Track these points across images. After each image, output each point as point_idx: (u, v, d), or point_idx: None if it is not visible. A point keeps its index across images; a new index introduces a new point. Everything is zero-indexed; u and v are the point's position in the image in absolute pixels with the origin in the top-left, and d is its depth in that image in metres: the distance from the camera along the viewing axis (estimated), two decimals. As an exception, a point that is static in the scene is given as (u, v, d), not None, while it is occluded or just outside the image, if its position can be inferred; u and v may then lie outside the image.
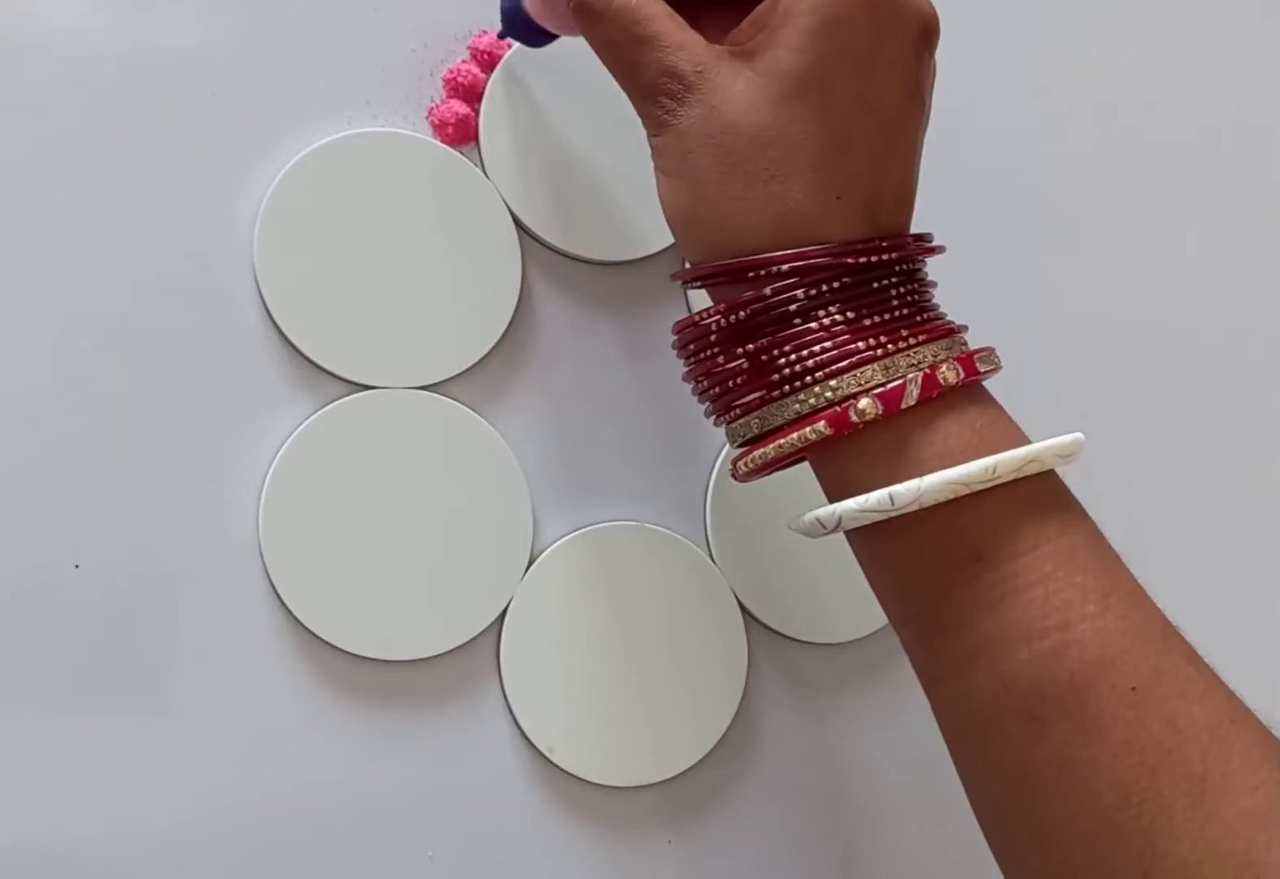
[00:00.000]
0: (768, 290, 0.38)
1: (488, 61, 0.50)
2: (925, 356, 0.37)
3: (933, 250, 0.40)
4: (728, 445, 0.52)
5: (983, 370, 0.38)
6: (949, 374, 0.37)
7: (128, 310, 0.45)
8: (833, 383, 0.37)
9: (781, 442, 0.38)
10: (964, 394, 0.38)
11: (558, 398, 0.51)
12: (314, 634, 0.46)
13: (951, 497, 0.36)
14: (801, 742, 0.53)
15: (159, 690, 0.45)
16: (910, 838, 0.54)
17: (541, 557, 0.49)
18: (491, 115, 0.50)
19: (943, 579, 0.37)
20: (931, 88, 0.40)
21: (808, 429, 0.37)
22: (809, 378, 0.37)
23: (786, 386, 0.38)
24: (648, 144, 0.41)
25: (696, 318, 0.40)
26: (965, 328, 0.39)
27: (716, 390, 0.40)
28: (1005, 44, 0.59)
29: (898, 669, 0.55)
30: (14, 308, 0.44)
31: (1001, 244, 0.58)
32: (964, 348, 0.39)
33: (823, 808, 0.53)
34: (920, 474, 0.36)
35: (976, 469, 0.36)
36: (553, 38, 0.47)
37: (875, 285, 0.38)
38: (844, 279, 0.38)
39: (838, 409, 0.37)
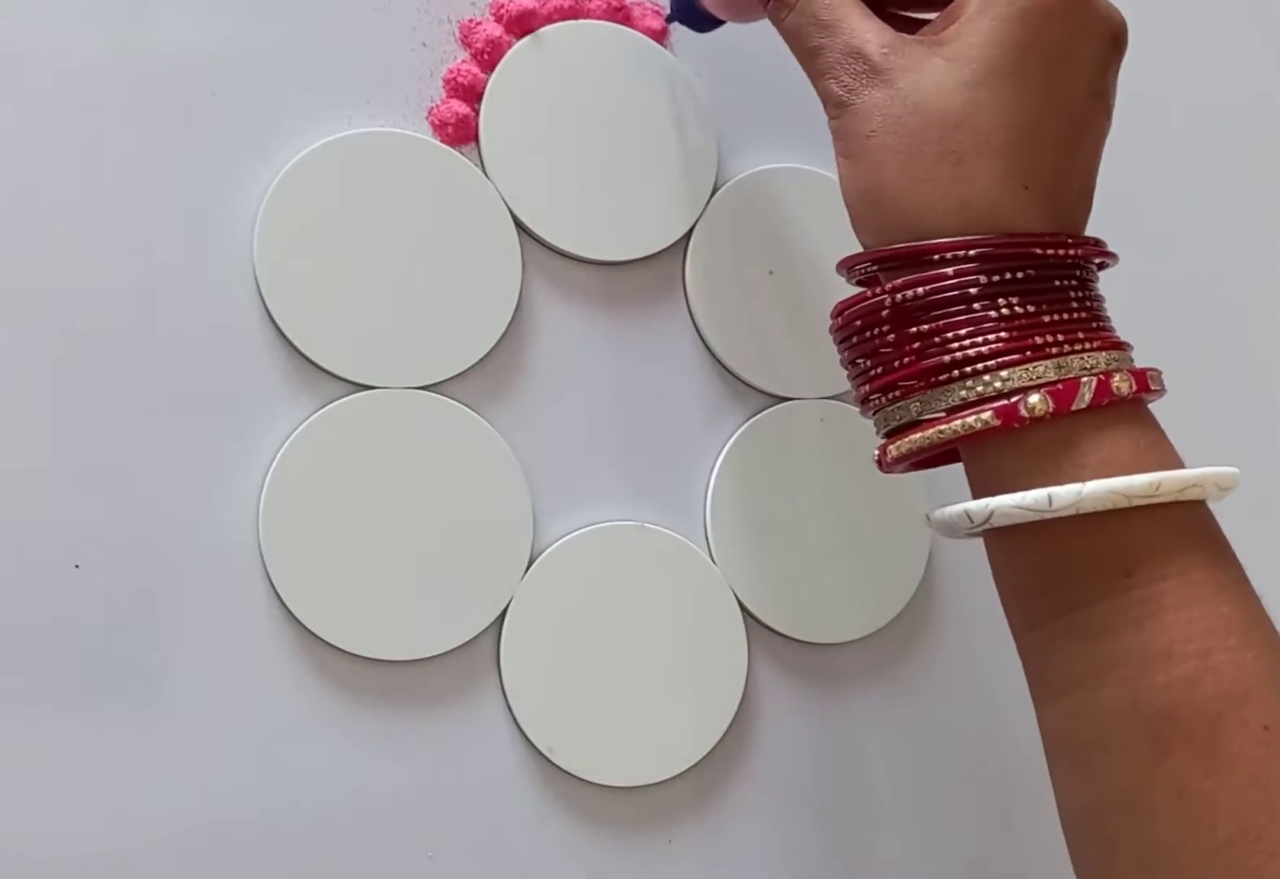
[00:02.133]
0: (950, 271, 0.37)
1: (488, 61, 0.50)
2: (1099, 362, 0.37)
3: (1110, 255, 0.40)
4: (726, 447, 0.52)
5: (1153, 389, 0.38)
6: (1122, 385, 0.36)
7: (127, 310, 0.45)
8: (1004, 373, 0.36)
9: (944, 427, 0.37)
10: (1131, 408, 0.37)
11: (558, 398, 0.51)
12: (314, 634, 0.46)
13: (1110, 507, 0.35)
14: (801, 742, 0.53)
15: (158, 690, 0.44)
16: (910, 838, 0.54)
17: (541, 557, 0.49)
18: (491, 115, 0.50)
19: (1088, 589, 0.37)
20: (1114, 97, 0.40)
21: (972, 417, 0.37)
22: (980, 365, 0.37)
23: (955, 371, 0.37)
24: (828, 128, 0.40)
25: (869, 294, 0.39)
26: (1132, 346, 0.39)
27: (879, 370, 0.39)
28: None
29: (898, 669, 0.55)
30: (14, 308, 0.44)
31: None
32: (1133, 363, 0.38)
33: (822, 808, 0.53)
34: (1082, 479, 0.36)
35: (1141, 483, 0.35)
36: (720, 24, 0.49)
37: (1056, 283, 0.38)
38: (1028, 270, 0.37)
39: (1007, 401, 0.36)
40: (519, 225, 0.50)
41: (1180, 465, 0.37)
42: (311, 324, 0.47)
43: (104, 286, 0.45)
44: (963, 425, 0.37)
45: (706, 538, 0.52)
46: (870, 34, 0.39)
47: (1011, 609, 0.40)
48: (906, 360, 0.38)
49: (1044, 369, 0.36)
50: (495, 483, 0.49)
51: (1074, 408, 0.36)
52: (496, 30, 0.50)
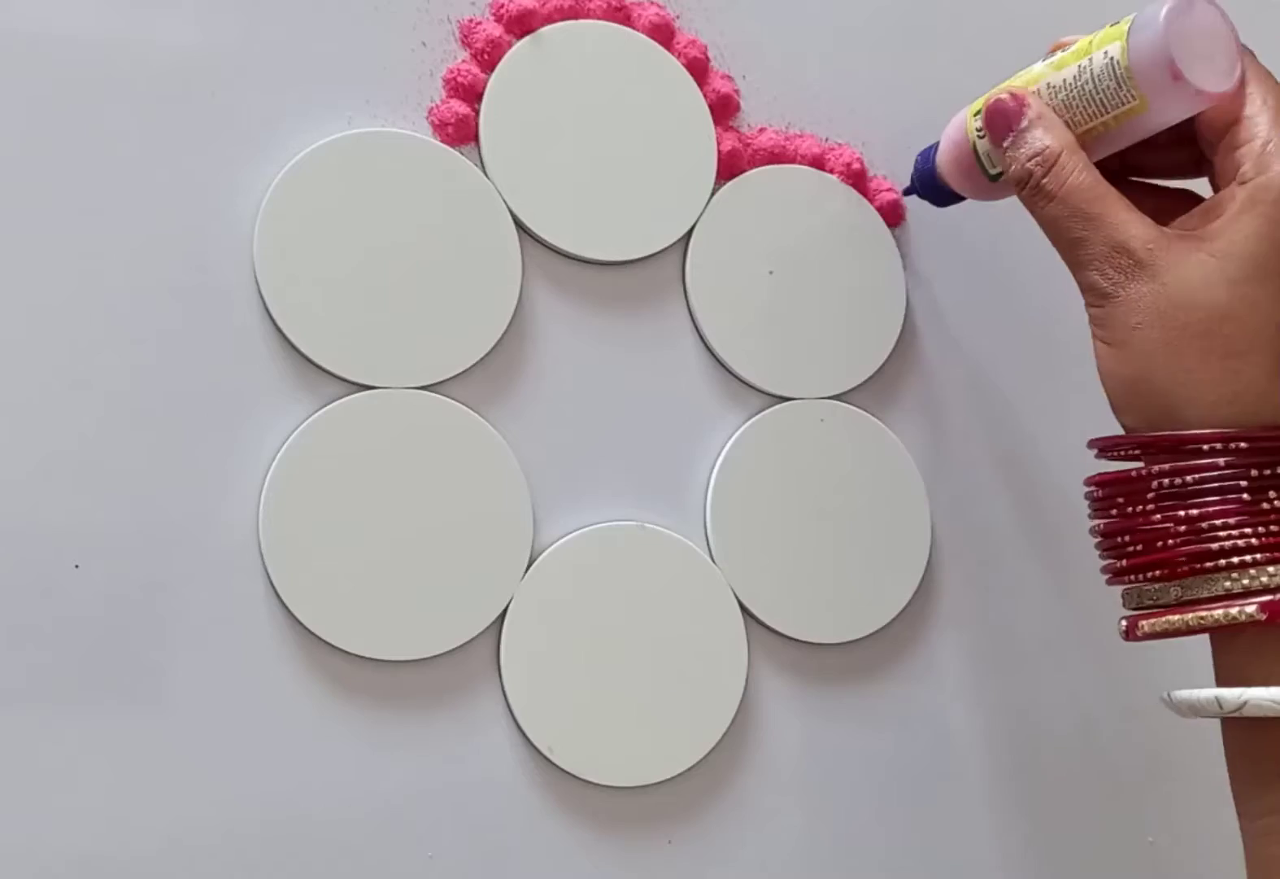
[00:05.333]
0: (1220, 461, 0.39)
1: (488, 61, 0.50)
2: None
3: None
4: (726, 447, 0.52)
5: None
6: None
7: (128, 310, 0.45)
8: (1271, 568, 0.38)
9: (1205, 615, 0.38)
10: None
11: (558, 398, 0.51)
12: (314, 634, 0.46)
13: None
14: (801, 742, 0.53)
15: (158, 690, 0.44)
16: (910, 838, 0.54)
17: (541, 557, 0.49)
18: (491, 115, 0.50)
19: None
20: None
21: (1235, 609, 0.38)
22: (1248, 557, 0.38)
23: (1222, 561, 0.38)
24: (1087, 314, 0.42)
25: (1133, 473, 0.40)
26: None
27: (1140, 548, 0.40)
28: (1003, 50, 0.59)
29: (898, 669, 0.55)
30: (14, 308, 0.44)
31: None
32: None
33: (822, 807, 0.53)
34: None
35: None
36: (961, 200, 0.51)
37: None
38: None
39: (1272, 596, 0.37)
40: (519, 225, 0.50)
41: None
42: (311, 324, 0.47)
43: (104, 286, 0.45)
44: (1225, 616, 0.38)
45: (706, 538, 0.52)
46: (1133, 228, 0.41)
47: (1243, 794, 0.40)
48: (1170, 543, 0.39)
49: None
50: (495, 483, 0.49)
51: None
52: (496, 30, 0.50)
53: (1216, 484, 0.39)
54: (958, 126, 0.49)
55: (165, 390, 0.45)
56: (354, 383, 0.48)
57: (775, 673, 0.52)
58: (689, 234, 0.53)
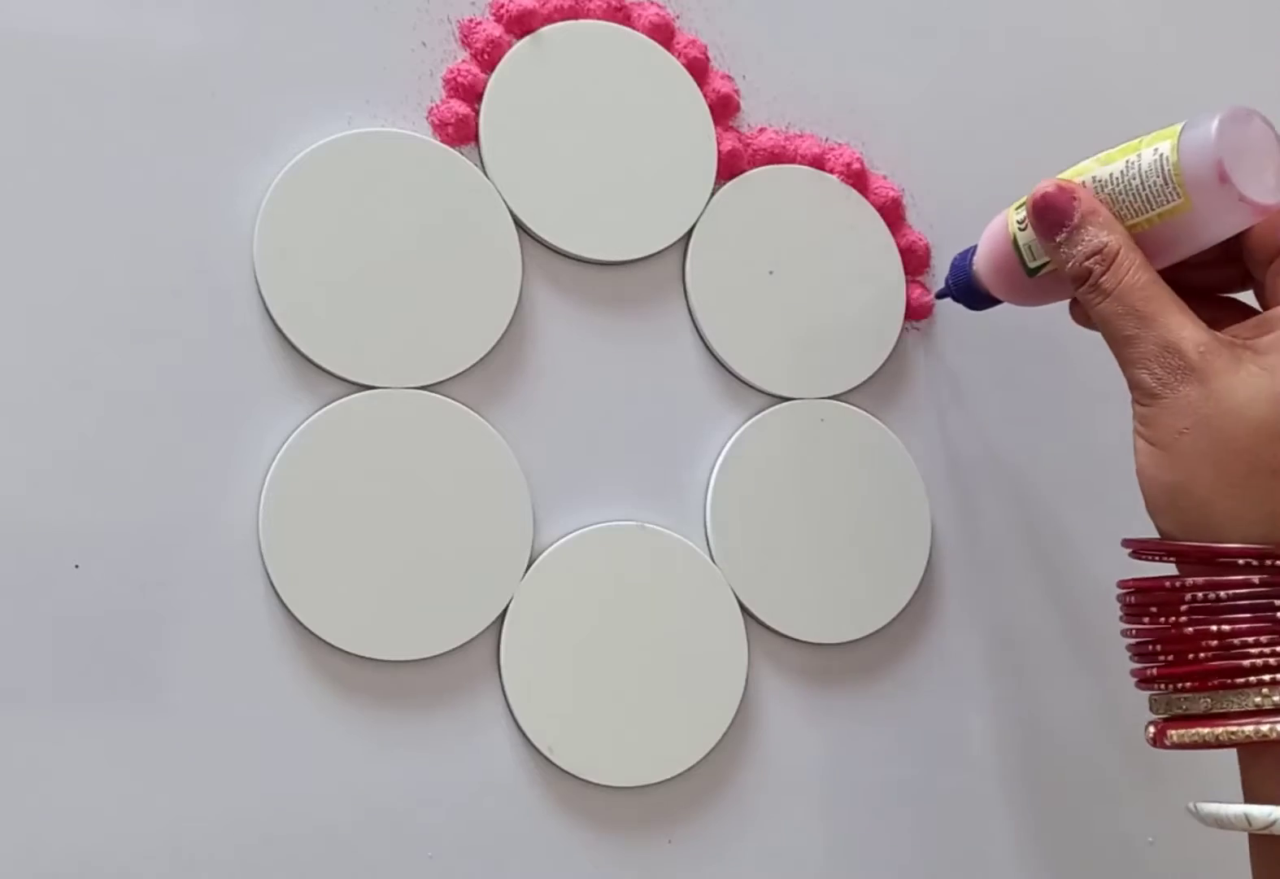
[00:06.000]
0: (1255, 579, 0.39)
1: (488, 61, 0.50)
2: None
3: None
4: (726, 447, 0.52)
5: None
6: None
7: (128, 310, 0.45)
8: None
9: (1235, 730, 0.39)
10: None
11: (558, 398, 0.51)
12: (314, 634, 0.46)
13: None
14: (801, 741, 0.53)
15: (158, 690, 0.44)
16: (909, 837, 0.54)
17: (541, 557, 0.49)
18: (491, 115, 0.50)
19: None
20: None
21: (1265, 726, 0.38)
22: None
23: (1254, 677, 0.38)
24: (1132, 412, 0.42)
25: (1168, 584, 0.41)
26: None
27: (1171, 658, 0.40)
28: (1004, 49, 0.59)
29: (898, 669, 0.55)
30: (14, 308, 0.44)
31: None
32: None
33: (822, 808, 0.53)
34: None
35: None
36: (997, 303, 0.51)
37: None
38: None
39: None
40: (519, 225, 0.50)
41: None
42: (311, 324, 0.47)
43: (104, 286, 0.45)
44: (1255, 731, 0.38)
45: (706, 538, 0.52)
46: (1186, 330, 0.41)
47: None
48: (1202, 655, 0.40)
49: None
50: (495, 483, 0.49)
51: None
52: (496, 30, 0.50)
53: (1249, 600, 0.39)
54: (998, 224, 0.49)
55: (165, 390, 0.45)
56: (354, 383, 0.48)
57: (775, 673, 0.52)
58: (689, 234, 0.53)
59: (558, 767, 0.48)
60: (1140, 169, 0.43)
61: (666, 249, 0.52)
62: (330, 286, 0.47)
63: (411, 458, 0.48)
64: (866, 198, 0.55)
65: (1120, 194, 0.44)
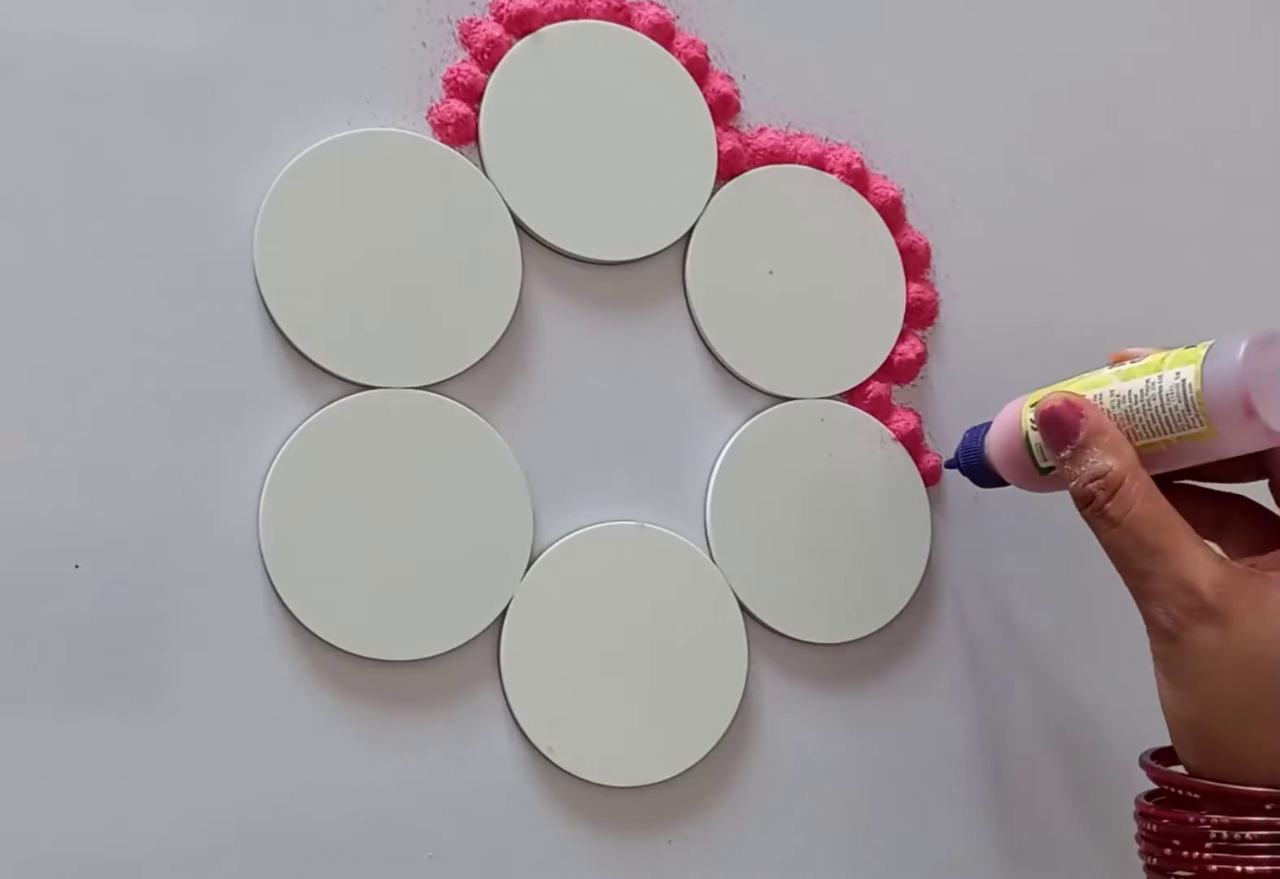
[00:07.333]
0: (1279, 820, 0.38)
1: (488, 61, 0.50)
2: None
3: None
4: (726, 447, 0.52)
5: None
6: None
7: (127, 310, 0.45)
8: None
9: None
10: None
11: (558, 398, 0.51)
12: (314, 634, 0.46)
13: None
14: (801, 742, 0.53)
15: (158, 690, 0.45)
16: (908, 837, 0.54)
17: (541, 557, 0.49)
18: (491, 115, 0.50)
19: None
20: None
21: None
22: None
23: None
24: (1149, 649, 0.41)
25: (1193, 819, 0.40)
26: None
27: None
28: (1003, 50, 0.59)
29: (898, 669, 0.55)
30: (14, 308, 0.44)
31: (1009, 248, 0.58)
32: None
33: (822, 808, 0.53)
34: None
35: None
36: (1005, 484, 0.50)
37: None
38: None
39: None
40: (519, 225, 0.50)
41: None
42: (311, 324, 0.47)
43: (104, 286, 0.45)
44: None
45: (706, 538, 0.52)
46: (1201, 567, 0.39)
47: None
48: None
49: None
50: (495, 483, 0.49)
51: None
52: (496, 30, 0.50)
53: (1273, 843, 0.39)
54: (1013, 414, 0.48)
55: (165, 390, 0.45)
56: (354, 383, 0.48)
57: (775, 673, 0.52)
58: (689, 234, 0.53)
59: (557, 766, 0.48)
60: (1161, 391, 0.42)
61: (666, 249, 0.52)
62: (330, 287, 0.47)
63: (411, 458, 0.48)
64: (866, 198, 0.55)
65: (1138, 413, 0.43)
